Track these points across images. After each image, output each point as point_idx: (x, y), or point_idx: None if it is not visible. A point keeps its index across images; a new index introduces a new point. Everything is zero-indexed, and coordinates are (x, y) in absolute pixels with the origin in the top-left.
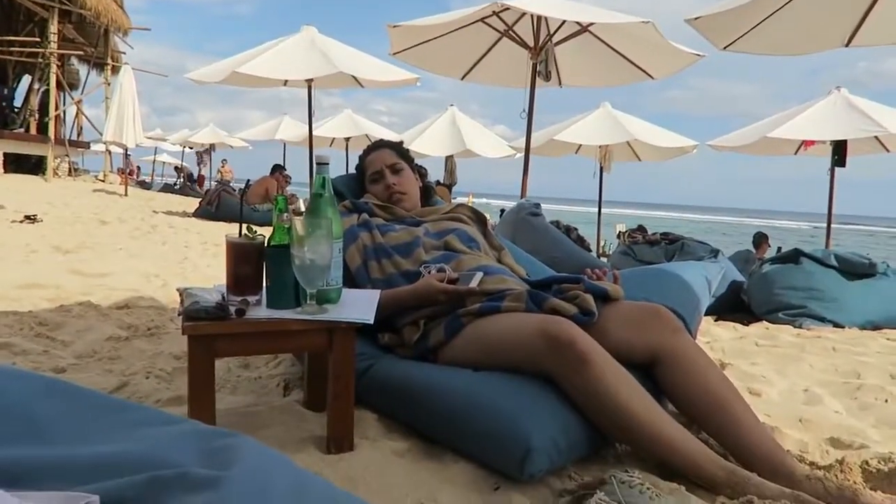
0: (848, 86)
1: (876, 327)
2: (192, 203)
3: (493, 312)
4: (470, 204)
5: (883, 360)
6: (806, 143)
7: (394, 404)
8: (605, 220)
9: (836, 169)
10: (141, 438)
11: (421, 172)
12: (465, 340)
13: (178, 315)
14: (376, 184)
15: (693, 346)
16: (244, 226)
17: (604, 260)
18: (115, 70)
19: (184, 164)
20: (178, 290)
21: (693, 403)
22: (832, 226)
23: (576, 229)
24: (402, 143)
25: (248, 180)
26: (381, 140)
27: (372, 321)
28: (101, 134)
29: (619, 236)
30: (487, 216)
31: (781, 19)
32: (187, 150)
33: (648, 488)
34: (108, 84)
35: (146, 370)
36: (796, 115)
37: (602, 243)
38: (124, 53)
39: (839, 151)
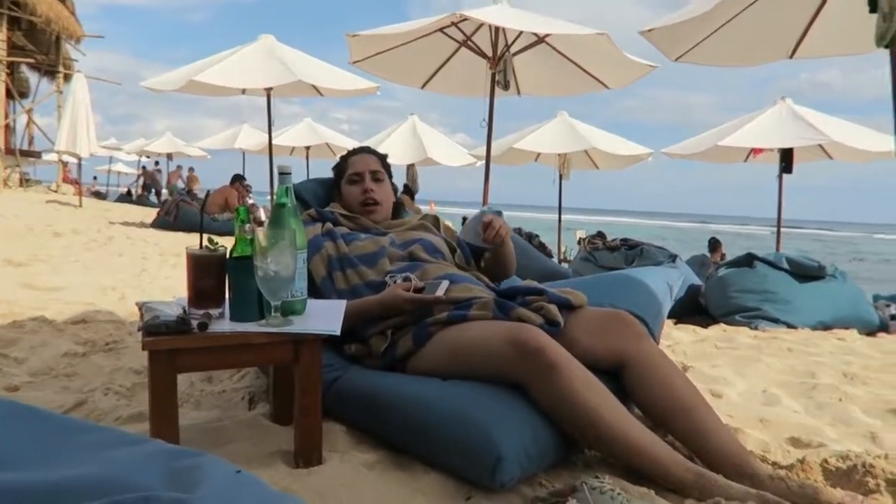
0: (791, 96)
1: (826, 327)
2: (150, 213)
3: (460, 321)
4: (432, 211)
5: (835, 360)
6: (755, 151)
7: (362, 416)
8: (565, 227)
9: (784, 175)
10: (103, 461)
11: (394, 188)
12: (434, 349)
13: (139, 330)
14: (354, 185)
15: (657, 350)
16: (205, 237)
17: (565, 265)
18: (67, 78)
19: (144, 168)
20: (137, 304)
21: (658, 407)
22: (782, 230)
23: (537, 236)
24: (386, 156)
25: (208, 190)
26: (368, 146)
27: (338, 332)
28: (52, 143)
29: (579, 242)
30: (449, 223)
31: (730, 32)
32: (144, 159)
33: (619, 493)
34: (60, 92)
35: (105, 387)
36: (745, 124)
37: (563, 249)
38: (76, 61)
39: (786, 159)
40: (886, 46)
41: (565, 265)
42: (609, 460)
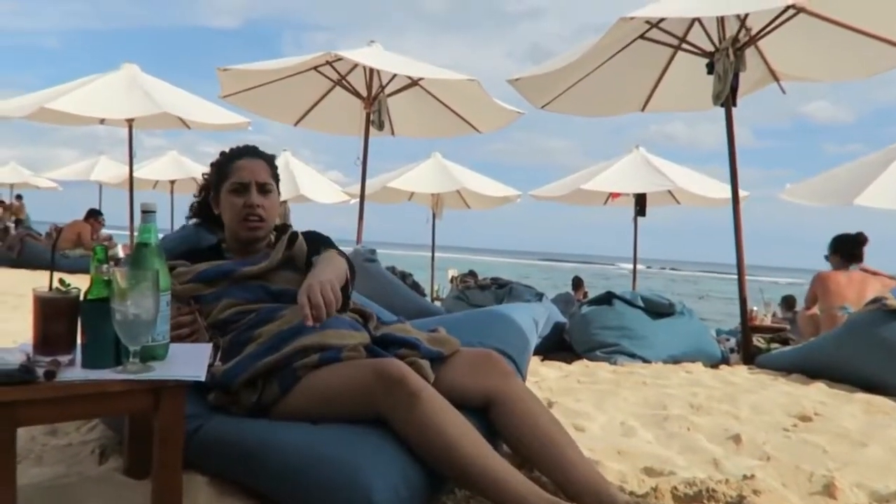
0: (643, 145)
1: (676, 361)
2: None
3: (331, 362)
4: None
5: (684, 392)
6: (613, 195)
7: (227, 465)
8: (438, 265)
9: (639, 218)
10: None
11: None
12: (302, 392)
13: None
14: (237, 195)
15: (523, 388)
16: (56, 278)
17: (437, 304)
18: None
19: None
20: None
21: (524, 443)
22: (638, 268)
23: (411, 275)
24: (275, 157)
25: (56, 225)
26: (254, 147)
27: (203, 378)
28: None
29: (451, 281)
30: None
31: (589, 85)
32: None
33: None
34: None
35: None
36: (604, 170)
37: (436, 288)
38: None
39: (640, 203)
40: (722, 104)
41: (438, 303)
42: (477, 498)
